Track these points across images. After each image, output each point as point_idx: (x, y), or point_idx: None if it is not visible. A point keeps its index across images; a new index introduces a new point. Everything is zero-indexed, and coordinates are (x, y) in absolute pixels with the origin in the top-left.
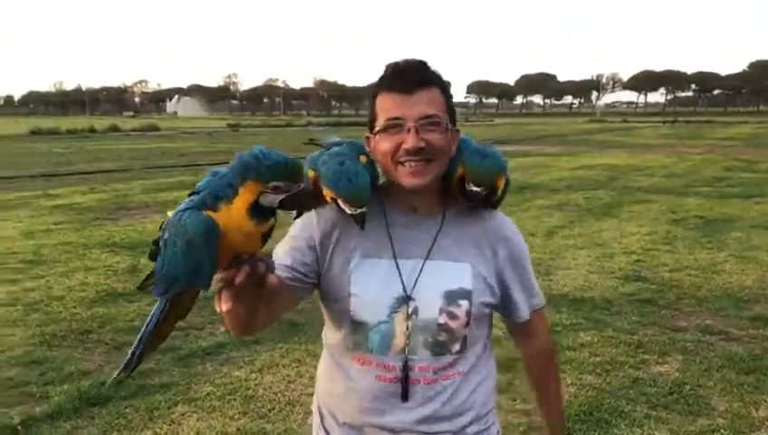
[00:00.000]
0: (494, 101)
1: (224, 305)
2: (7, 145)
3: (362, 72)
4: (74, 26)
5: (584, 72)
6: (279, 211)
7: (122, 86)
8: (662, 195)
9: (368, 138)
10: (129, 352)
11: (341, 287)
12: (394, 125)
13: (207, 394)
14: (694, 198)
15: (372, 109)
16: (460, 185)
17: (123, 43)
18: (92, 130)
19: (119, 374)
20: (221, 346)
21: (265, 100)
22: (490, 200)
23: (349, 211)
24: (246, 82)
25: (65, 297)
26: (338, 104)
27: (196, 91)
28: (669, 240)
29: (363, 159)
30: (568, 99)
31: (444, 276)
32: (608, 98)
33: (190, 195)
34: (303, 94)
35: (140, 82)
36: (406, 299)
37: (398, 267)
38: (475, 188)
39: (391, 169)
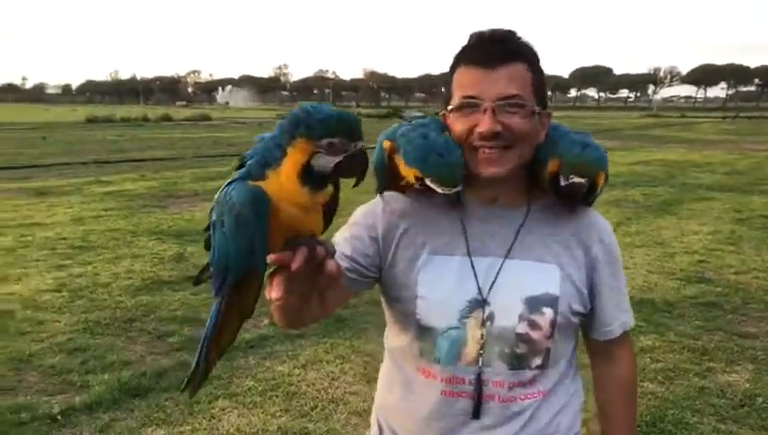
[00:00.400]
0: (548, 94)
1: (275, 292)
2: (64, 132)
3: (412, 63)
4: (131, 17)
5: (641, 65)
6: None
7: (175, 76)
8: (724, 193)
9: (444, 115)
10: (193, 362)
11: (407, 287)
12: (469, 104)
13: (249, 389)
14: (759, 197)
15: (449, 84)
16: (552, 178)
17: (177, 33)
18: (146, 119)
19: (184, 390)
20: (264, 339)
21: (315, 91)
22: (588, 197)
23: (441, 191)
24: (296, 73)
25: (111, 284)
26: (387, 95)
27: (246, 81)
28: (734, 240)
29: (448, 133)
30: (623, 93)
31: (526, 278)
32: (665, 92)
33: (238, 168)
34: (353, 86)
35: (193, 72)
36: (480, 303)
37: (472, 266)
38: (577, 180)
39: (466, 153)
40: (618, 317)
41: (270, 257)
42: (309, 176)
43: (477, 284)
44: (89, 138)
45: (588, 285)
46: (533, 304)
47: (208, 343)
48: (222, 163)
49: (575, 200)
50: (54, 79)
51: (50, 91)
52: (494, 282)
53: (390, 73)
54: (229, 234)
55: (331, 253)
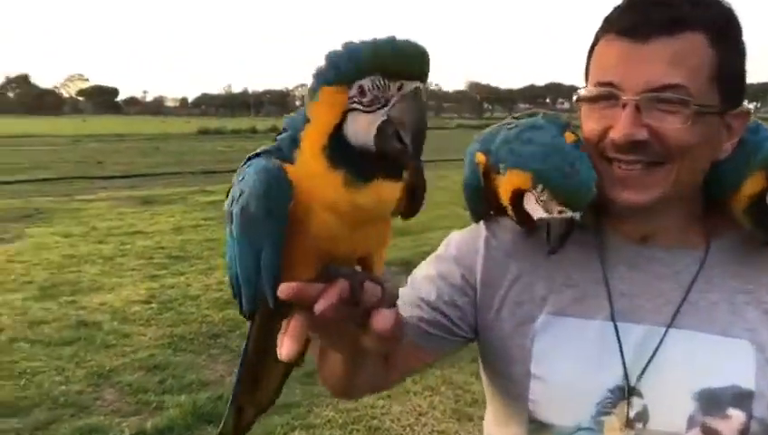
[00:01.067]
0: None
1: (285, 345)
2: (177, 143)
3: (517, 72)
4: (246, 32)
5: (762, 74)
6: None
7: (284, 90)
8: None
9: (577, 108)
10: (226, 408)
11: (516, 360)
12: (603, 95)
13: (328, 421)
14: None
15: (588, 62)
16: (754, 202)
17: (287, 48)
18: (254, 131)
19: None
20: None
21: None
22: None
23: (557, 214)
24: None
25: (200, 297)
26: (490, 107)
27: None
28: None
29: (570, 137)
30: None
31: (701, 361)
32: None
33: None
34: (456, 98)
35: (301, 85)
36: (628, 393)
37: (617, 337)
38: None
39: (597, 165)
40: None
41: (281, 288)
42: (345, 153)
43: (624, 364)
44: (199, 149)
45: None
46: (712, 401)
47: (237, 394)
48: None
49: None
50: (173, 92)
51: (168, 103)
52: (649, 363)
53: (494, 84)
54: (236, 234)
55: (387, 299)
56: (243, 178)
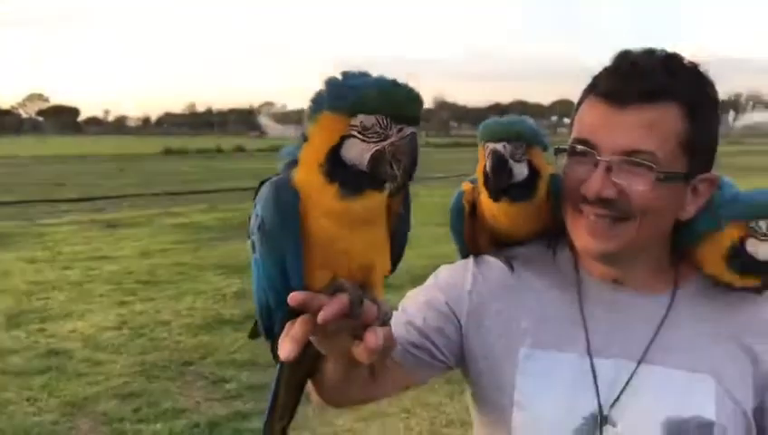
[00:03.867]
0: None
1: (285, 346)
2: (140, 163)
3: (482, 91)
4: (209, 49)
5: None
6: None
7: (249, 107)
8: None
9: (556, 150)
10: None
11: (499, 389)
12: (579, 151)
13: None
14: None
15: (573, 115)
16: (736, 254)
17: (251, 65)
18: (219, 150)
19: None
20: None
21: None
22: None
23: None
24: None
25: (171, 323)
26: (457, 125)
27: None
28: None
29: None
30: None
31: (668, 393)
32: (749, 118)
33: None
34: (425, 116)
35: (266, 103)
36: (601, 421)
37: (592, 369)
38: None
39: (569, 213)
40: None
41: (292, 295)
42: (339, 170)
43: (598, 395)
44: (163, 169)
45: (759, 407)
46: (678, 430)
47: (271, 422)
48: None
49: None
50: (135, 111)
51: (130, 123)
52: (621, 393)
53: (461, 103)
54: (259, 254)
55: (381, 317)
56: (256, 201)
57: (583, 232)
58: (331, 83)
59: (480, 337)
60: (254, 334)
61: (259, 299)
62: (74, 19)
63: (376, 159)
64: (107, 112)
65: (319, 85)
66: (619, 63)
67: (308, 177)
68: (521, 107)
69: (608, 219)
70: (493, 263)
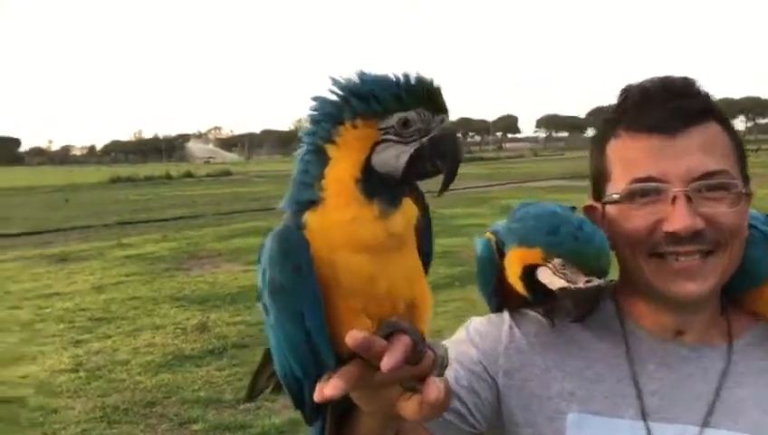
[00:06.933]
0: (564, 134)
1: (332, 382)
2: (87, 193)
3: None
4: (152, 76)
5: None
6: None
7: (197, 133)
8: None
9: (591, 208)
10: None
11: None
12: (647, 190)
13: None
14: None
15: (601, 160)
16: None
17: (198, 90)
18: (169, 177)
19: None
20: (296, 424)
21: None
22: None
23: (582, 285)
24: None
25: (130, 362)
26: None
27: (267, 135)
28: None
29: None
30: None
31: None
32: None
33: None
34: None
35: (215, 128)
36: None
37: None
38: None
39: (639, 262)
40: None
41: (350, 334)
42: (376, 183)
43: None
44: (111, 198)
45: None
46: None
47: None
48: (244, 219)
49: None
50: (80, 140)
51: (75, 152)
52: None
53: None
54: (274, 317)
55: (438, 365)
56: (260, 258)
57: (675, 277)
58: (351, 88)
59: (519, 399)
60: (250, 396)
61: (282, 367)
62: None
63: (415, 158)
64: (50, 142)
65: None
66: (648, 93)
67: (338, 205)
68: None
69: (697, 255)
70: (530, 315)
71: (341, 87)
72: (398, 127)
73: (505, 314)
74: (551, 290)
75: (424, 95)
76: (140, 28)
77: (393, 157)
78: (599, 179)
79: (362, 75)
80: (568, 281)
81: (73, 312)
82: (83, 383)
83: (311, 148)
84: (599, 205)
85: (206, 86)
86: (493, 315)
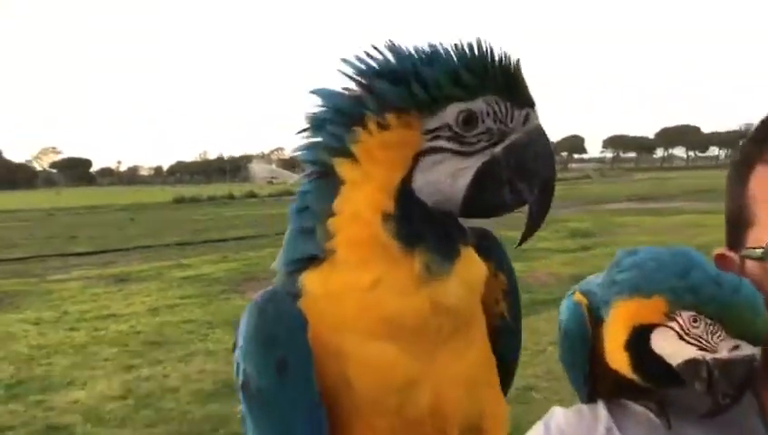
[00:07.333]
0: (631, 155)
1: None
2: (152, 213)
3: None
4: (217, 98)
5: (731, 122)
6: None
7: (261, 154)
8: None
9: (724, 257)
10: None
11: None
12: None
13: None
14: None
15: (741, 194)
16: None
17: (261, 112)
18: (231, 197)
19: None
20: None
21: None
22: None
23: (716, 354)
24: None
25: (180, 389)
26: None
27: None
28: None
29: None
30: (713, 151)
31: None
32: None
33: None
34: None
35: (278, 149)
36: None
37: None
38: None
39: None
40: None
41: None
42: (411, 224)
43: None
44: (174, 218)
45: None
46: None
47: None
48: None
49: None
50: (147, 161)
51: (142, 172)
52: None
53: None
54: (249, 418)
55: None
56: (237, 334)
57: None
58: (377, 68)
59: None
60: None
61: None
62: (85, 72)
63: (484, 178)
64: (119, 163)
65: None
66: None
67: (358, 256)
68: None
69: None
70: (635, 411)
71: (361, 69)
72: (456, 127)
73: (601, 408)
74: (670, 367)
75: (498, 78)
76: (207, 55)
77: (448, 176)
78: (737, 221)
79: (395, 48)
80: (702, 348)
81: (127, 335)
82: (131, 412)
83: (312, 170)
84: (735, 256)
85: (270, 108)
86: (584, 407)
